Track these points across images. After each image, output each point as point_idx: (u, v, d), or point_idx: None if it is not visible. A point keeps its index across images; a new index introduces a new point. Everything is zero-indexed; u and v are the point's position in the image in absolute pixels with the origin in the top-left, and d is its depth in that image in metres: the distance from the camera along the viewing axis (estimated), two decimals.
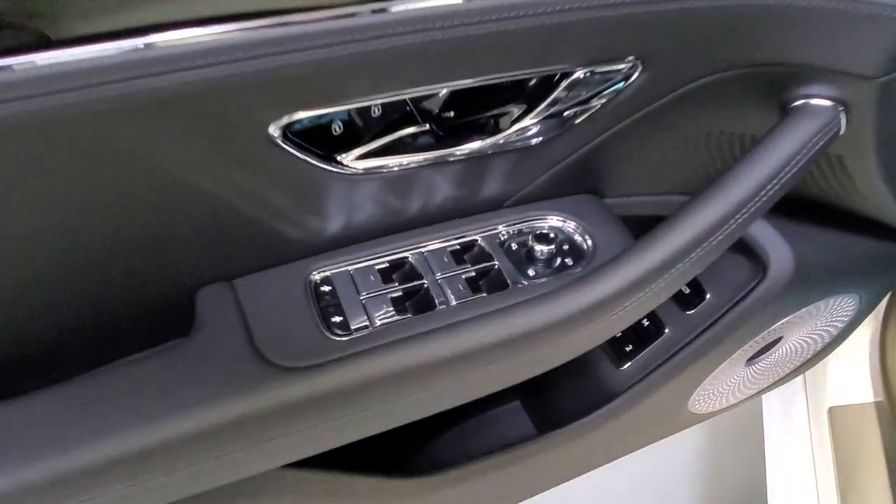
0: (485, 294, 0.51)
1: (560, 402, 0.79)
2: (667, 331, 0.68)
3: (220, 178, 0.41)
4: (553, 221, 0.57)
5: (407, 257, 0.53)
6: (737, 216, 0.48)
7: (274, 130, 0.40)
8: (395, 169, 0.48)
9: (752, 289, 0.66)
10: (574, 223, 0.57)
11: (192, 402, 0.41)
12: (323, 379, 0.44)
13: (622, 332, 0.74)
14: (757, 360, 0.79)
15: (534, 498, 0.79)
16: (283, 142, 0.41)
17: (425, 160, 0.49)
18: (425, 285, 0.51)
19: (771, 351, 0.79)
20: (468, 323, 0.47)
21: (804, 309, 0.71)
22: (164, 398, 0.41)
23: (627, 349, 0.70)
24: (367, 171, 0.46)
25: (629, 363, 0.69)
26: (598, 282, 0.49)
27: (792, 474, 1.13)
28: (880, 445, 1.02)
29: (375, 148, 0.46)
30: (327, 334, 0.47)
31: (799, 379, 1.20)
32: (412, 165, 0.48)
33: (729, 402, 0.86)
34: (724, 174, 0.49)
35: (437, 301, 0.50)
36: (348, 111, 0.43)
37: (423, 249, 0.54)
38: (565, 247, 0.56)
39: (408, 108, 0.46)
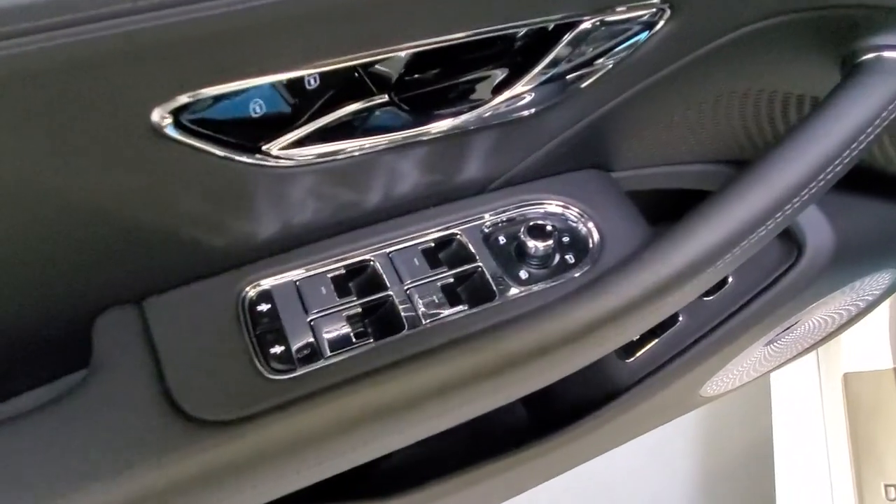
0: (465, 307, 0.41)
1: (562, 398, 0.70)
2: (680, 319, 0.59)
3: (102, 181, 0.30)
4: (550, 207, 0.46)
5: (368, 260, 0.42)
6: (793, 201, 0.37)
7: (159, 117, 0.28)
8: (343, 158, 0.36)
9: (783, 273, 0.56)
10: (576, 209, 0.46)
11: (74, 478, 0.31)
12: (258, 436, 0.34)
13: None
14: (776, 339, 0.70)
15: None
16: (174, 131, 0.29)
17: (385, 144, 0.37)
18: (391, 298, 0.41)
19: (792, 329, 0.70)
20: (444, 351, 0.37)
21: (838, 290, 0.62)
22: (39, 472, 0.31)
23: (634, 339, 0.61)
24: (306, 163, 0.35)
25: (637, 356, 0.60)
26: (608, 292, 0.39)
27: (801, 439, 1.09)
28: None
29: (314, 131, 0.34)
30: (264, 372, 0.37)
31: None
32: (367, 152, 0.37)
33: (742, 381, 0.78)
34: (774, 149, 0.38)
35: (404, 319, 0.40)
36: (272, 84, 0.31)
37: (388, 249, 0.43)
38: (565, 239, 0.45)
39: (357, 74, 0.35)
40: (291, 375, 0.37)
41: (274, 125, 0.33)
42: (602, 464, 1.29)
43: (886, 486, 0.92)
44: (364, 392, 0.36)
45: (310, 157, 0.35)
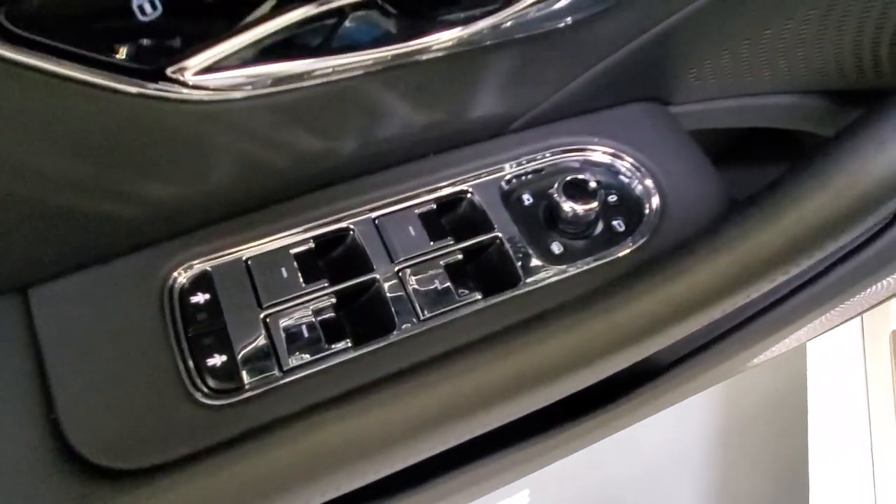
0: (477, 297, 0.30)
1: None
2: None
3: None
4: (594, 154, 0.34)
5: (346, 229, 0.31)
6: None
7: None
8: (300, 87, 0.24)
9: (879, 233, 0.44)
10: (629, 158, 0.34)
11: None
12: (185, 494, 0.24)
13: None
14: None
15: None
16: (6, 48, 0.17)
17: (364, 66, 0.25)
18: (377, 283, 0.30)
19: None
20: (448, 365, 0.27)
21: None
22: None
23: None
24: (242, 96, 0.23)
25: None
26: (676, 282, 0.28)
27: (839, 395, 1.02)
28: None
29: (250, 46, 0.22)
30: (196, 395, 0.26)
31: None
32: (337, 77, 0.25)
33: (790, 346, 0.68)
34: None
35: (395, 314, 0.29)
36: None
37: (374, 214, 0.32)
38: (612, 198, 0.34)
39: None
40: (236, 399, 0.26)
41: (182, 36, 0.21)
42: None
43: None
44: (338, 426, 0.25)
45: (245, 86, 0.23)
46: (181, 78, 0.22)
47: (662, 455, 1.26)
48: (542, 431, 0.49)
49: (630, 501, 1.12)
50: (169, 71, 0.21)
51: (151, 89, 0.21)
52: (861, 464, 0.95)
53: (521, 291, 0.30)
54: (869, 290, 0.52)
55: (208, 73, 0.22)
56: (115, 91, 0.21)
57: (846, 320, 0.70)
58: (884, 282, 0.58)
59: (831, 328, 0.71)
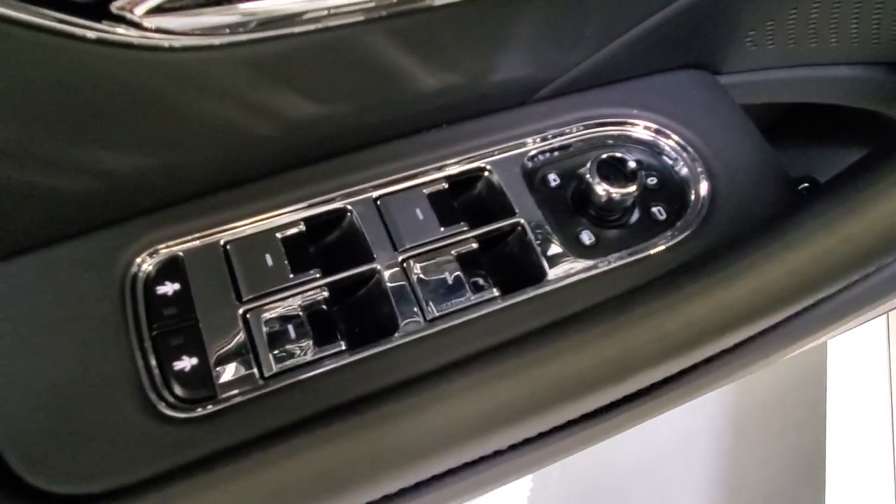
0: (496, 294, 0.25)
1: None
2: None
3: None
4: (636, 130, 0.30)
5: (343, 210, 0.27)
6: None
7: None
8: (279, 36, 0.20)
9: None
10: (676, 136, 0.29)
11: None
12: None
13: None
14: None
15: None
16: None
17: (363, 8, 0.21)
18: (378, 274, 0.26)
19: None
20: (461, 376, 0.22)
21: None
22: None
23: None
24: (207, 44, 0.19)
25: None
26: (733, 284, 0.24)
27: (861, 386, 0.98)
28: None
29: None
30: (160, 406, 0.22)
31: None
32: (330, 23, 0.20)
33: (810, 345, 0.64)
34: None
35: (398, 314, 0.25)
36: None
37: (375, 193, 0.27)
38: (652, 181, 0.29)
39: None
40: (207, 411, 0.22)
41: None
42: None
43: None
44: (327, 449, 0.21)
45: (221, 30, 0.19)
46: (130, 16, 0.17)
47: (669, 444, 1.23)
48: (558, 431, 0.45)
49: (635, 490, 1.09)
50: (114, 6, 0.17)
51: (99, 31, 0.17)
52: (881, 458, 0.91)
53: (546, 289, 0.26)
54: None
55: (171, 14, 0.18)
56: (57, 33, 0.16)
57: (877, 315, 0.66)
58: None
59: (859, 325, 0.66)
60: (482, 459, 0.41)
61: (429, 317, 0.25)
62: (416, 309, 0.25)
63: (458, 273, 0.26)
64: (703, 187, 0.28)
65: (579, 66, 0.28)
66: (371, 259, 0.26)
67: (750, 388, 1.20)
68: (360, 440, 0.21)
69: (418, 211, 0.27)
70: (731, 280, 0.23)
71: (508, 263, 0.27)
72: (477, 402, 0.22)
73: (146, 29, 0.18)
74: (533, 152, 0.29)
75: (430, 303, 0.25)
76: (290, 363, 0.23)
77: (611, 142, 0.29)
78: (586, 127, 0.29)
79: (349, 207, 0.27)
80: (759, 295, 0.23)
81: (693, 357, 0.24)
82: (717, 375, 0.49)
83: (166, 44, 0.18)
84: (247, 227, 0.26)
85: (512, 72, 0.27)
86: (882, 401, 0.96)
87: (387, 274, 0.25)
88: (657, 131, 0.29)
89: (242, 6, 0.19)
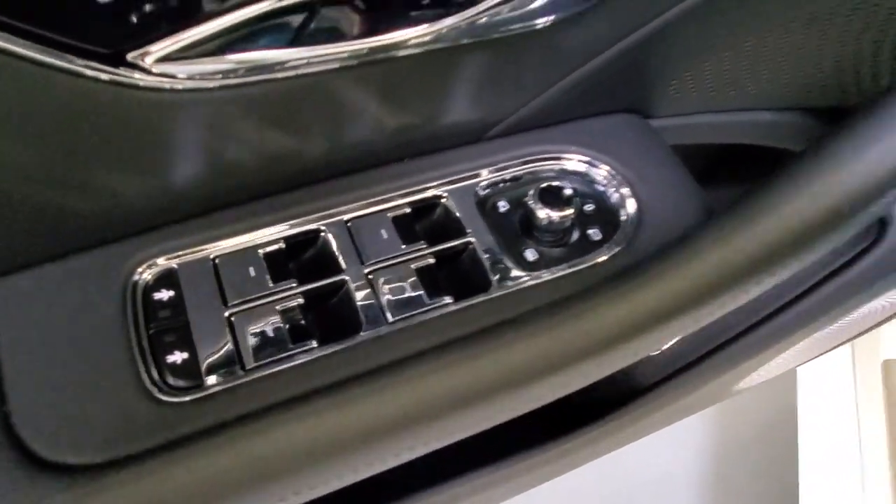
0: (448, 301, 0.29)
1: (578, 393, 0.59)
2: None
3: None
4: (570, 163, 0.34)
5: (317, 231, 0.31)
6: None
7: None
8: (264, 80, 0.24)
9: (860, 255, 0.44)
10: (606, 167, 0.34)
11: None
12: (136, 491, 0.23)
13: None
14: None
15: None
16: None
17: (331, 60, 0.25)
18: (346, 284, 0.29)
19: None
20: (415, 366, 0.26)
21: None
22: None
23: None
24: (205, 87, 0.23)
25: (664, 347, 0.49)
26: (651, 289, 0.28)
27: (829, 425, 1.01)
28: None
29: (215, 35, 0.22)
30: (154, 391, 0.25)
31: None
32: (305, 72, 0.25)
33: (779, 370, 0.67)
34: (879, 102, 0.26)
35: (362, 315, 0.29)
36: None
37: (346, 216, 0.31)
38: (589, 208, 0.33)
39: None
40: (195, 396, 0.26)
41: (145, 21, 0.21)
42: None
43: None
44: (300, 424, 0.24)
45: (215, 75, 0.23)
46: (142, 64, 0.21)
47: (646, 487, 1.24)
48: (523, 450, 0.48)
49: None
50: (130, 56, 0.21)
51: (114, 74, 0.21)
52: (852, 496, 0.93)
53: (493, 296, 0.30)
54: (854, 313, 0.51)
55: (175, 62, 0.22)
56: (77, 75, 0.21)
57: (836, 346, 0.69)
58: (869, 307, 0.58)
59: (821, 353, 0.70)
60: (450, 476, 0.44)
61: (389, 319, 0.29)
62: (378, 313, 0.29)
63: (416, 283, 0.30)
64: (632, 210, 0.33)
65: (524, 109, 0.33)
66: (341, 271, 0.30)
67: (725, 432, 1.22)
68: (327, 417, 0.24)
69: (383, 231, 0.31)
70: (643, 285, 0.27)
71: (461, 276, 0.31)
72: (430, 387, 0.26)
73: (153, 74, 0.22)
74: (484, 183, 0.33)
75: (391, 307, 0.29)
76: (267, 357, 0.27)
77: (551, 174, 0.34)
78: (530, 161, 0.34)
79: (323, 228, 0.31)
80: (665, 298, 0.27)
81: (615, 355, 0.28)
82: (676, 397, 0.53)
83: (168, 86, 0.23)
84: (233, 244, 0.30)
85: (463, 114, 0.32)
86: (851, 441, 0.98)
87: (354, 284, 0.29)
88: (590, 163, 0.34)
89: (234, 56, 0.23)
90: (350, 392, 0.25)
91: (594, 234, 0.33)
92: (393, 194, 0.32)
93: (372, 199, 0.32)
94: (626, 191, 0.33)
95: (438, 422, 0.26)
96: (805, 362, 0.71)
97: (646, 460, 1.27)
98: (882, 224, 0.43)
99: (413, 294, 0.29)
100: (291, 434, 0.24)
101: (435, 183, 0.33)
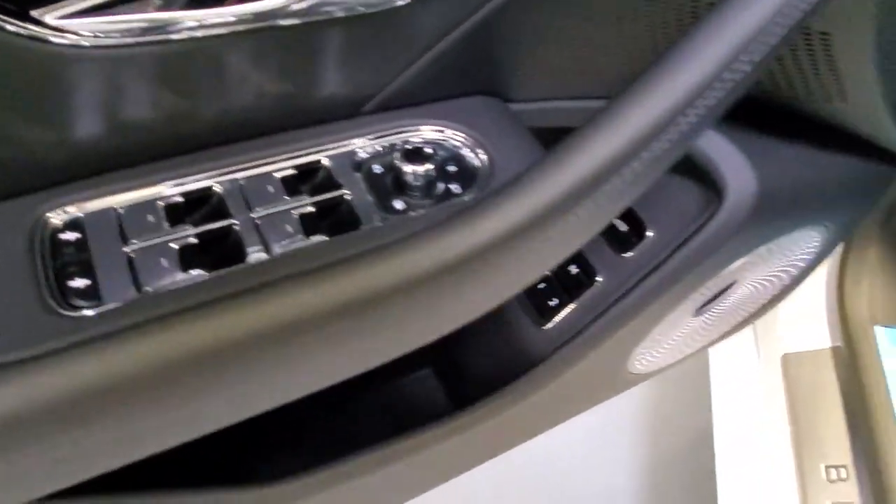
0: (325, 237, 0.34)
1: (476, 369, 0.64)
2: (599, 279, 0.53)
3: None
4: (430, 133, 0.40)
5: (211, 187, 0.36)
6: (686, 112, 0.32)
7: None
8: (157, 40, 0.29)
9: (705, 222, 0.51)
10: (463, 134, 0.40)
11: None
12: (33, 383, 0.27)
13: (544, 282, 0.59)
14: (708, 309, 0.65)
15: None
16: None
17: (219, 24, 0.31)
18: (236, 227, 0.34)
19: (724, 297, 0.66)
20: (285, 283, 0.31)
21: (764, 246, 0.57)
22: None
23: (552, 304, 0.55)
24: (106, 44, 0.28)
25: (554, 321, 0.54)
26: (492, 212, 0.33)
27: (741, 424, 1.05)
28: (838, 393, 0.94)
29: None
30: (55, 306, 0.29)
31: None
32: (195, 34, 0.30)
33: (675, 357, 0.73)
34: (667, 51, 0.33)
35: (248, 250, 0.33)
36: None
37: (238, 175, 0.36)
38: (450, 167, 0.39)
39: None
40: (94, 311, 0.30)
41: None
42: (547, 460, 1.24)
43: (827, 467, 0.89)
44: (180, 328, 0.28)
45: (109, 34, 0.28)
46: (45, 20, 0.26)
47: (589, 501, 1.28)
48: (419, 427, 0.51)
49: None
50: (34, 12, 0.26)
51: (19, 27, 0.26)
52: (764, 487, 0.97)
53: (360, 232, 0.35)
54: (711, 281, 0.57)
55: (78, 18, 0.27)
56: None
57: (730, 331, 0.75)
58: (728, 272, 0.65)
59: (718, 338, 0.76)
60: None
61: (272, 252, 0.33)
62: (261, 248, 0.33)
63: (296, 225, 0.35)
64: (485, 167, 0.39)
65: (391, 86, 0.39)
66: (230, 217, 0.34)
67: (658, 448, 1.27)
68: (206, 323, 0.29)
69: (270, 187, 0.36)
70: (465, 222, 0.32)
71: (335, 221, 0.36)
72: (300, 299, 0.30)
73: (55, 29, 0.27)
74: (359, 150, 0.39)
75: (273, 243, 0.34)
76: (160, 281, 0.31)
77: (418, 140, 0.40)
78: (399, 132, 0.40)
79: (216, 185, 0.36)
80: (479, 236, 0.32)
81: (447, 281, 0.32)
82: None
83: (69, 41, 0.27)
84: (135, 196, 0.34)
85: (334, 87, 0.38)
86: (760, 435, 1.02)
87: (241, 228, 0.34)
88: (447, 131, 0.40)
89: (131, 16, 0.28)
90: (229, 302, 0.30)
91: (455, 188, 0.39)
92: (279, 158, 0.37)
93: (262, 162, 0.37)
94: (480, 152, 0.40)
95: (312, 332, 0.31)
96: (704, 347, 0.76)
97: (581, 482, 1.31)
98: (720, 195, 0.51)
99: (293, 234, 0.34)
100: (174, 336, 0.28)
101: (317, 149, 0.38)
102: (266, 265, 0.32)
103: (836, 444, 0.91)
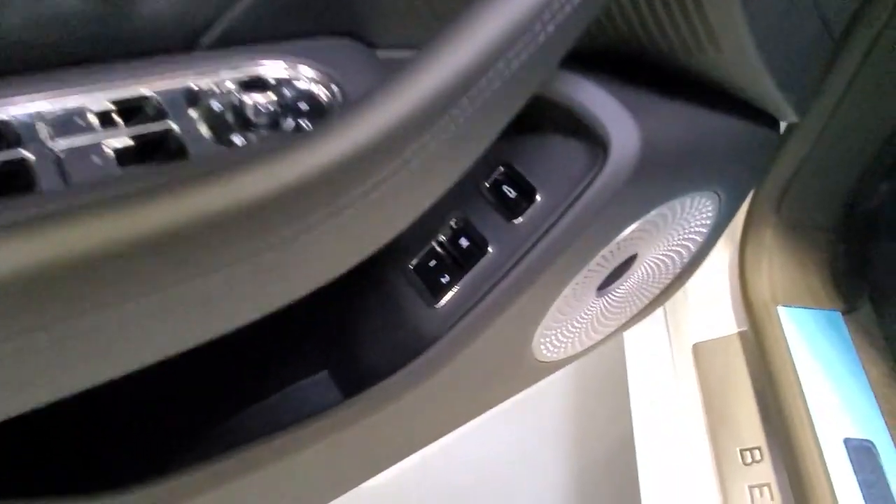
0: (139, 167, 0.30)
1: (369, 360, 0.59)
2: (490, 250, 0.50)
3: None
4: (280, 70, 0.36)
5: (6, 121, 0.30)
6: (532, 26, 0.30)
7: None
8: None
9: (591, 181, 0.49)
10: (314, 70, 0.37)
11: None
12: None
13: (435, 258, 0.55)
14: (610, 289, 0.63)
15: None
16: None
17: None
18: (31, 161, 0.29)
19: (625, 276, 0.64)
20: (89, 211, 0.26)
21: (656, 211, 0.56)
22: None
23: (443, 280, 0.51)
24: None
25: (446, 298, 0.51)
26: (334, 136, 0.29)
27: (659, 418, 1.05)
28: (747, 377, 0.94)
29: None
30: None
31: (661, 318, 1.12)
32: None
33: (584, 344, 0.70)
34: None
35: (41, 183, 0.28)
36: None
37: (45, 107, 0.31)
38: (301, 105, 0.36)
39: None
40: None
41: None
42: (474, 471, 1.20)
43: (742, 450, 0.89)
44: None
45: None
46: None
47: None
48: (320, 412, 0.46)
49: None
50: None
51: None
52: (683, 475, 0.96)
53: (189, 161, 0.30)
54: (604, 249, 0.55)
55: None
56: None
57: (640, 313, 0.73)
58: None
59: (628, 322, 0.73)
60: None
61: (69, 183, 0.28)
62: (59, 178, 0.28)
63: (108, 157, 0.30)
64: (339, 104, 0.35)
65: (230, 14, 0.35)
66: (20, 145, 0.29)
67: (583, 458, 1.25)
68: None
69: (79, 120, 0.31)
70: (305, 146, 0.28)
71: (164, 153, 0.31)
72: (96, 230, 0.25)
73: None
74: (194, 85, 0.35)
75: (73, 174, 0.29)
76: None
77: (262, 72, 0.36)
78: (243, 67, 0.36)
79: (8, 119, 0.30)
80: (321, 158, 0.27)
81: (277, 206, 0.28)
82: None
83: None
84: None
85: (169, 13, 0.33)
86: (677, 427, 1.02)
87: (37, 163, 0.29)
88: (303, 66, 0.36)
89: None
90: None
91: (304, 123, 0.35)
92: (95, 91, 0.32)
93: (72, 94, 0.32)
94: (334, 87, 0.36)
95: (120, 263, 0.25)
96: (614, 332, 0.73)
97: (509, 491, 1.27)
98: (604, 152, 0.49)
99: (101, 165, 0.29)
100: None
101: (145, 81, 0.33)
102: (58, 195, 0.27)
103: (749, 426, 0.92)
